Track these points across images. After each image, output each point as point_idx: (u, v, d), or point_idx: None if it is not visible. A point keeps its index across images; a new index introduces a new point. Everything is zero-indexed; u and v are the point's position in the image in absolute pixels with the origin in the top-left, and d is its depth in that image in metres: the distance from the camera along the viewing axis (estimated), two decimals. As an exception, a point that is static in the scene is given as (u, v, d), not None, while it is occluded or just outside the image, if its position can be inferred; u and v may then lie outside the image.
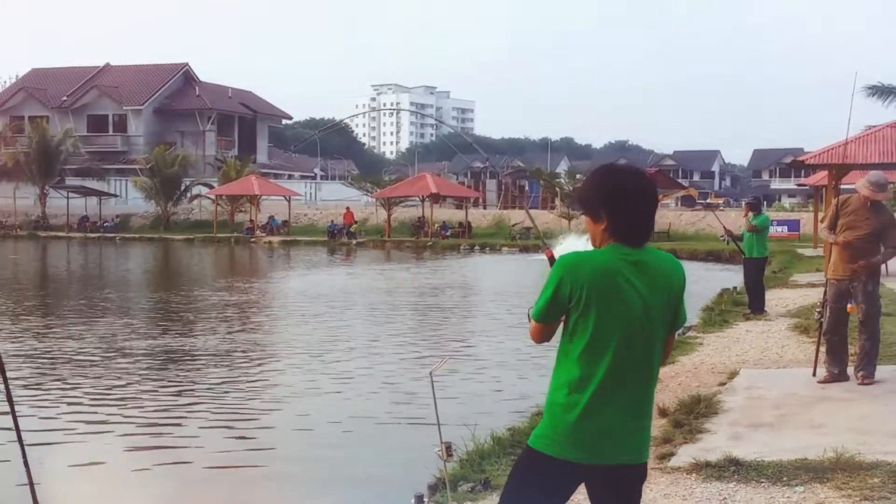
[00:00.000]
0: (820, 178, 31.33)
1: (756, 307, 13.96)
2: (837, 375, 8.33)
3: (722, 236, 14.77)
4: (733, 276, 22.29)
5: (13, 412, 4.07)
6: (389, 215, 48.07)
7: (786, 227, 38.70)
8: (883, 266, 20.78)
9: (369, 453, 7.78)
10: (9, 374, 4.11)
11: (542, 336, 3.14)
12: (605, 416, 2.99)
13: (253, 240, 47.43)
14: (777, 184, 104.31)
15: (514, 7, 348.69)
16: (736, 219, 23.80)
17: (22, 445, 3.95)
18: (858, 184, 8.34)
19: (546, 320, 3.08)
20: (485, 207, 63.45)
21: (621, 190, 3.04)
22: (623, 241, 3.02)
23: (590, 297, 2.97)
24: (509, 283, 24.59)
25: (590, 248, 3.19)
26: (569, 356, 3.04)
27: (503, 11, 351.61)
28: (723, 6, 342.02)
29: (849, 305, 8.25)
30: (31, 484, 3.95)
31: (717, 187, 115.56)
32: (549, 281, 3.04)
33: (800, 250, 29.11)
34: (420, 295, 21.55)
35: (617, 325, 2.98)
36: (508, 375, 11.27)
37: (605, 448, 3.00)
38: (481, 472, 6.00)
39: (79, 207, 56.71)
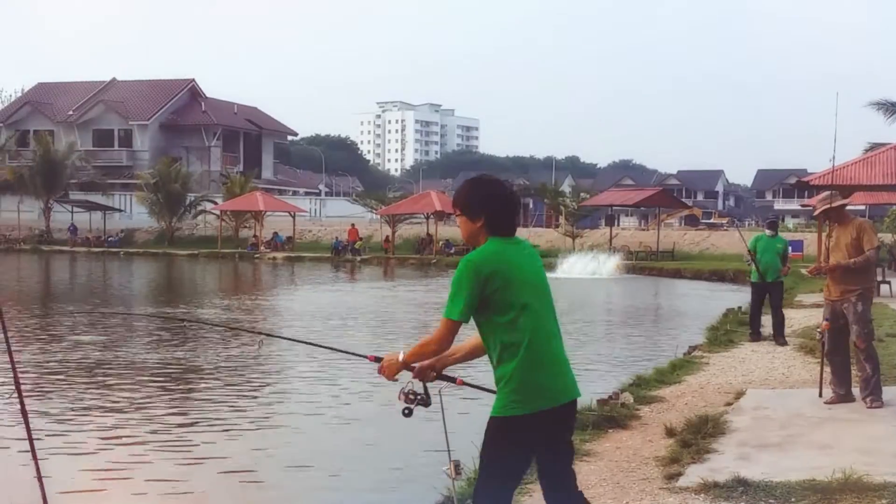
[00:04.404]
0: (824, 198, 31.34)
1: (777, 332, 13.25)
2: (843, 396, 8.35)
3: (747, 260, 14.72)
4: (737, 296, 22.30)
5: (27, 423, 4.11)
6: (394, 232, 48.12)
7: (789, 248, 38.68)
8: (886, 287, 20.68)
9: (377, 473, 7.74)
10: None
11: (450, 340, 3.74)
12: (549, 363, 3.71)
13: (257, 256, 47.48)
14: (781, 204, 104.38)
15: (521, 25, 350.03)
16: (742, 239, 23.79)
17: (34, 452, 3.98)
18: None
19: (466, 318, 3.68)
20: (488, 225, 63.40)
21: (497, 196, 3.83)
22: (500, 234, 3.78)
23: (502, 279, 3.65)
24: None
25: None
26: (503, 330, 3.67)
27: (510, 29, 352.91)
28: (728, 27, 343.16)
29: (823, 323, 8.43)
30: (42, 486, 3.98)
31: (720, 207, 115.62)
32: (463, 283, 3.64)
33: (804, 270, 29.07)
34: (424, 311, 21.56)
35: (527, 293, 3.71)
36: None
37: (560, 389, 3.73)
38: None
39: (83, 222, 56.85)
